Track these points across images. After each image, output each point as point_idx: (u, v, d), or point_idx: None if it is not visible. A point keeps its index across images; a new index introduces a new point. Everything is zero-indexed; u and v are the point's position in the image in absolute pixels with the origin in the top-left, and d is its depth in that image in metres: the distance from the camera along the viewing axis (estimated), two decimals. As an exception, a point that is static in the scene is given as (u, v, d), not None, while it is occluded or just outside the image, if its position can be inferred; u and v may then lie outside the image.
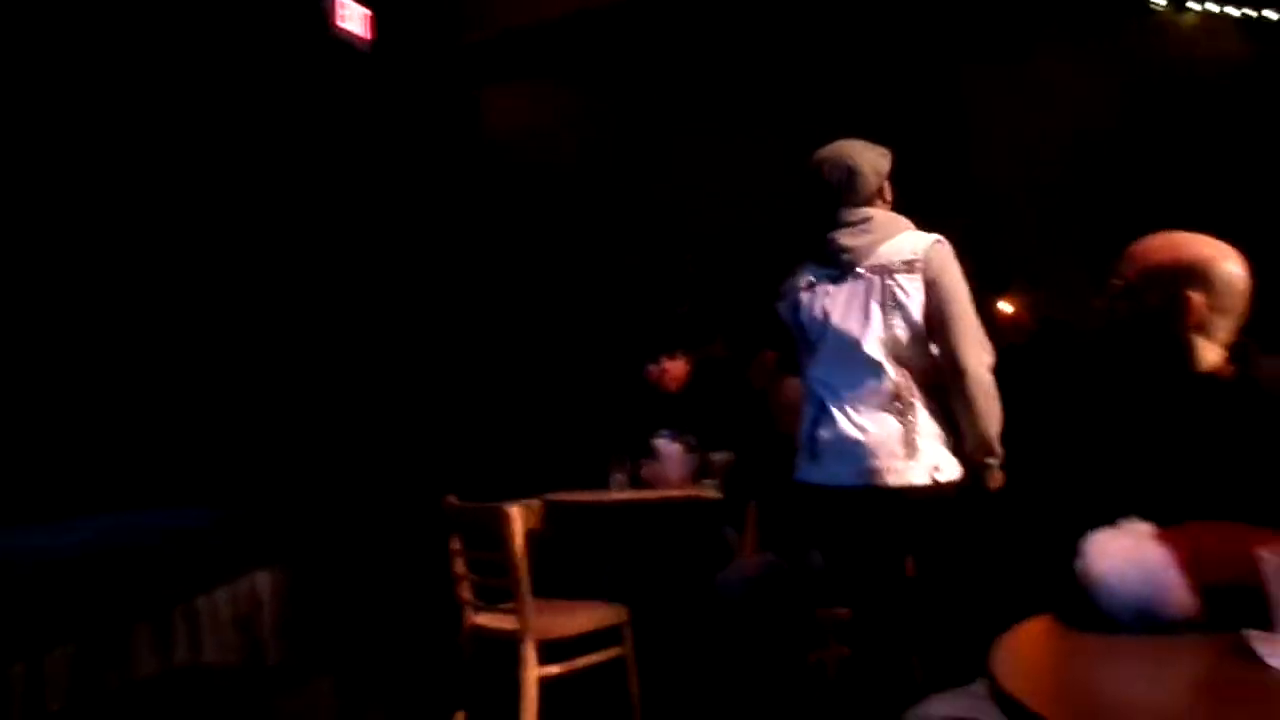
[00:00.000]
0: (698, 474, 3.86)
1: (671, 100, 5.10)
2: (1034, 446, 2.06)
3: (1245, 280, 1.76)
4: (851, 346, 2.50)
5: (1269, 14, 4.37)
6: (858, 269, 2.54)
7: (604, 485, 3.90)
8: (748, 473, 3.42)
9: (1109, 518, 1.51)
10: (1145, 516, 1.50)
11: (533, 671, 3.00)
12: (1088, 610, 1.43)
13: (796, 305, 2.63)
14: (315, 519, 4.72)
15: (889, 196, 2.65)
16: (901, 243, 2.53)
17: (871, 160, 2.60)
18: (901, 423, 2.47)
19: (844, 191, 2.56)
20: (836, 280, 2.56)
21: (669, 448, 3.88)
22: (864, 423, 2.47)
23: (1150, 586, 1.40)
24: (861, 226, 2.55)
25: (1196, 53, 4.53)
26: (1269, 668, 1.22)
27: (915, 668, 2.51)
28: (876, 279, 2.51)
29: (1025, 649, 1.40)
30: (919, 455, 2.44)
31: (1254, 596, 1.29)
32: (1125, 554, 1.44)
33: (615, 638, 3.24)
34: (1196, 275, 1.73)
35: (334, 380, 5.20)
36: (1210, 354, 1.76)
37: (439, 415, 5.21)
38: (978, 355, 2.47)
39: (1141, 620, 1.38)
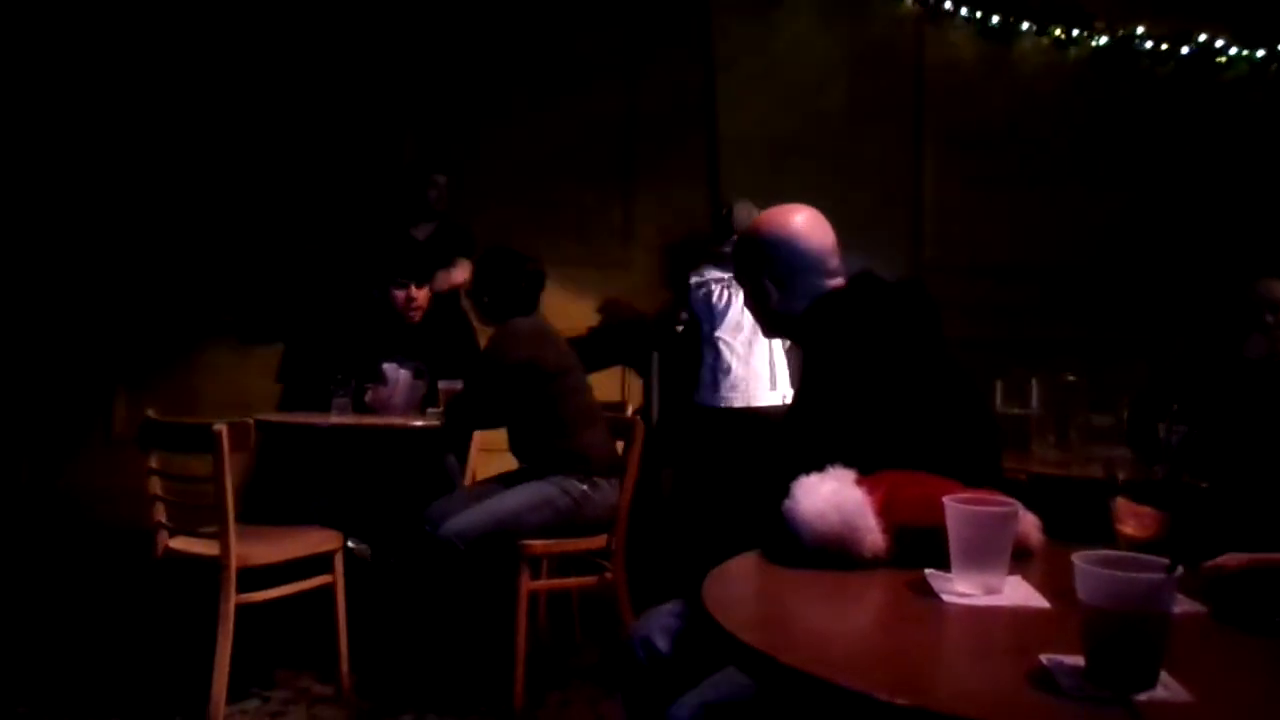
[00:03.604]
0: (424, 402, 3.77)
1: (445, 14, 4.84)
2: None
3: (797, 231, 1.94)
4: (747, 320, 4.03)
5: (995, 18, 4.75)
6: None
7: (326, 409, 3.74)
8: (473, 401, 3.37)
9: (818, 463, 1.61)
10: (849, 463, 1.61)
11: (232, 599, 2.84)
12: (793, 547, 1.53)
13: (710, 293, 4.30)
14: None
15: None
16: None
17: (759, 209, 3.85)
18: (771, 368, 4.16)
19: (743, 224, 3.95)
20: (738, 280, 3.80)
21: (397, 373, 3.75)
22: (749, 364, 4.16)
23: (847, 528, 1.50)
24: None
25: (928, 45, 4.85)
26: (941, 599, 1.36)
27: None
28: None
29: (734, 580, 1.48)
30: (778, 386, 4.17)
31: (937, 539, 1.42)
32: (827, 497, 1.54)
33: (325, 565, 3.13)
34: (758, 258, 1.97)
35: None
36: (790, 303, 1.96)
37: (132, 330, 4.78)
38: None
39: (838, 558, 1.49)
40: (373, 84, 4.84)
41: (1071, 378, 2.77)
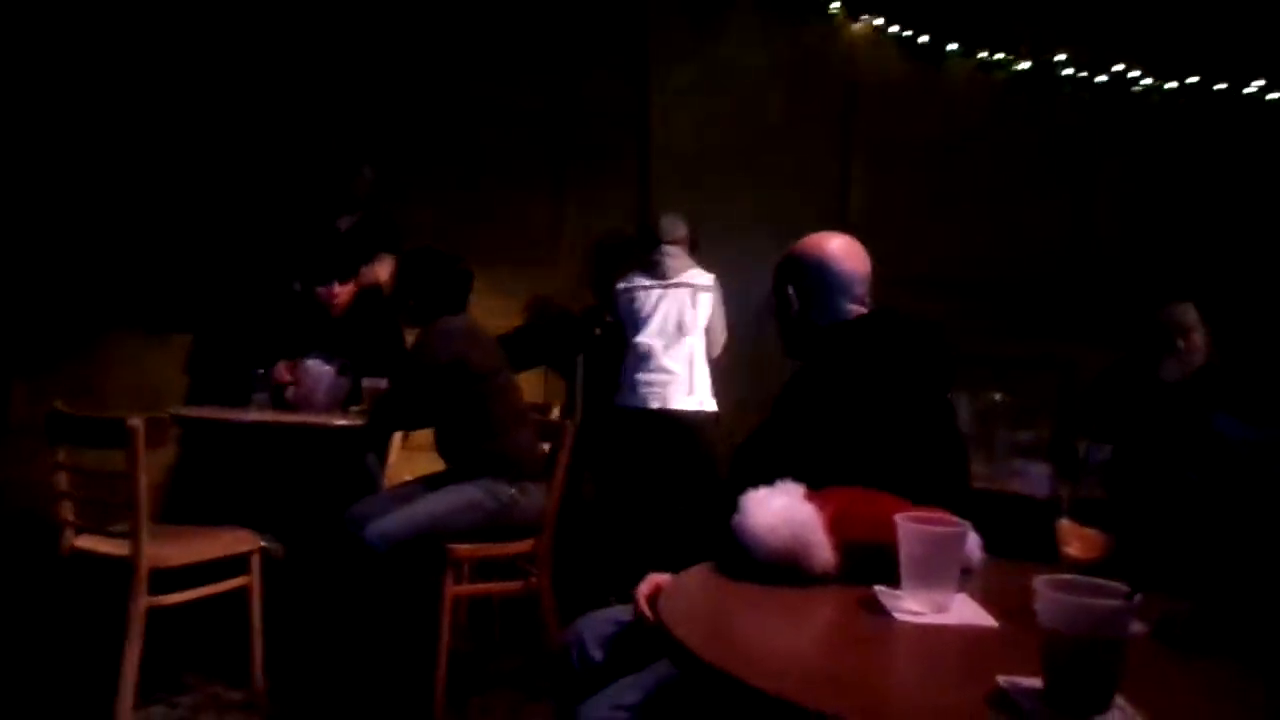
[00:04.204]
0: (347, 400, 3.68)
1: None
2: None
3: (831, 253, 2.01)
4: (670, 326, 4.28)
5: (924, 38, 4.85)
6: (671, 281, 4.32)
7: (237, 403, 3.62)
8: (399, 401, 3.30)
9: (769, 477, 1.61)
10: (799, 478, 1.62)
11: (142, 601, 2.73)
12: (743, 561, 1.53)
13: (633, 297, 4.35)
14: None
15: (687, 243, 4.41)
16: (698, 272, 4.34)
17: (685, 220, 4.40)
18: (690, 372, 4.24)
19: (668, 234, 4.34)
20: (662, 286, 4.32)
21: (319, 369, 3.65)
22: (669, 368, 4.23)
23: (798, 543, 1.51)
24: (674, 256, 4.34)
25: (859, 61, 4.93)
26: (892, 617, 1.37)
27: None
28: (687, 290, 4.31)
29: (689, 594, 1.47)
30: (695, 392, 4.23)
31: (886, 556, 1.43)
32: (778, 512, 1.55)
33: (241, 566, 3.03)
34: (790, 268, 2.03)
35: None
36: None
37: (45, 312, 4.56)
38: (721, 346, 4.39)
39: (789, 573, 1.49)
40: (302, 73, 4.70)
41: (998, 396, 2.84)
